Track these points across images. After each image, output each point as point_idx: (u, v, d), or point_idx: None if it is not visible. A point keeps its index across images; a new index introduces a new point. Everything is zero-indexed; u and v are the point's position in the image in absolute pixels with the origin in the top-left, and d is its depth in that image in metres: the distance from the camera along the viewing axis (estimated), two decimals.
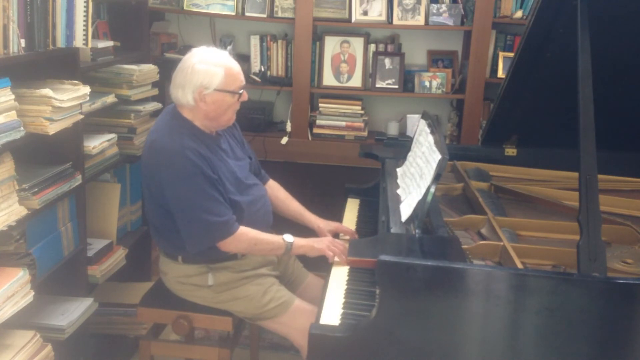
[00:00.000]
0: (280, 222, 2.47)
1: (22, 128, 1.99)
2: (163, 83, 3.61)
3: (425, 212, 1.93)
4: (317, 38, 3.77)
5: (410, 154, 2.44)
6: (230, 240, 2.13)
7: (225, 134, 2.31)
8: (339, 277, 2.09)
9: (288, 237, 2.22)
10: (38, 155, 2.33)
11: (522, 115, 2.65)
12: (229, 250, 2.17)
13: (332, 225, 2.47)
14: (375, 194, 2.68)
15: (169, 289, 2.32)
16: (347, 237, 2.44)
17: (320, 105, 3.79)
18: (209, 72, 2.12)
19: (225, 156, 2.23)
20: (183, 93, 2.14)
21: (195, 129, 2.17)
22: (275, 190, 2.53)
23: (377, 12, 3.61)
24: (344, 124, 3.77)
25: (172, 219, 2.14)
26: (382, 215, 2.28)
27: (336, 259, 2.17)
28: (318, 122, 3.78)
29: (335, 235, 2.44)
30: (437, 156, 1.95)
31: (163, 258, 2.31)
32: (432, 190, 1.89)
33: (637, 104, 2.46)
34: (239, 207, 2.18)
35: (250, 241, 2.17)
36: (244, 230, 2.15)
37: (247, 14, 3.66)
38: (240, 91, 2.19)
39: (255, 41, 3.81)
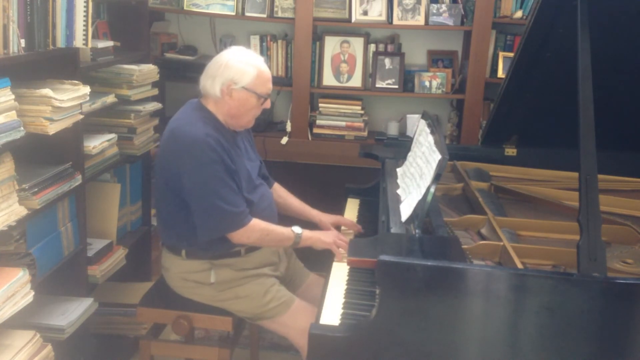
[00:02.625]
0: (283, 220, 2.48)
1: (22, 128, 1.99)
2: (163, 83, 3.61)
3: (425, 212, 1.93)
4: (317, 38, 3.77)
5: (410, 154, 2.44)
6: (242, 232, 2.15)
7: (241, 134, 2.36)
8: (339, 277, 2.09)
9: (297, 229, 2.26)
10: (38, 155, 2.32)
11: (522, 115, 2.65)
12: (240, 241, 2.19)
13: (333, 218, 2.51)
14: (375, 194, 2.68)
15: (170, 286, 2.33)
16: (350, 231, 2.49)
17: (320, 105, 3.79)
18: (241, 69, 2.18)
19: (240, 154, 2.28)
20: (212, 84, 2.19)
21: (217, 121, 2.22)
22: (277, 189, 2.57)
23: (377, 12, 3.61)
24: (344, 124, 3.77)
25: (183, 207, 2.16)
26: (382, 215, 2.28)
27: (342, 251, 2.21)
28: (318, 122, 3.78)
29: (338, 227, 2.49)
30: (437, 156, 1.95)
31: (166, 253, 2.32)
32: (432, 190, 1.89)
33: (637, 104, 2.46)
34: (250, 203, 2.22)
35: (262, 232, 2.19)
36: (255, 222, 2.19)
37: (247, 14, 3.66)
38: (266, 97, 2.25)
39: (255, 41, 3.81)
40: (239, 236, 2.16)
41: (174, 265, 2.29)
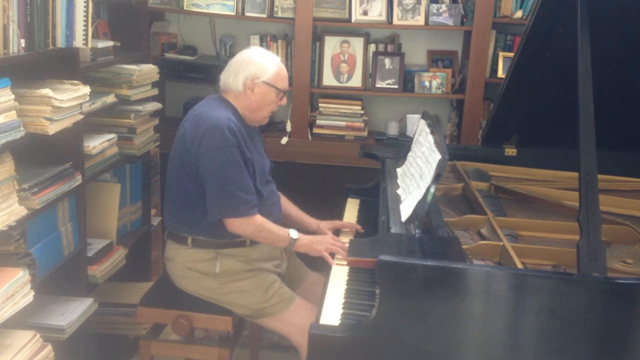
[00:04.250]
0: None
1: (22, 128, 1.99)
2: (163, 83, 3.61)
3: (425, 212, 1.93)
4: (317, 38, 3.77)
5: (410, 154, 2.44)
6: (242, 221, 2.18)
7: (255, 133, 2.41)
8: (339, 277, 2.09)
9: (293, 233, 2.28)
10: (38, 155, 2.33)
11: (522, 115, 2.65)
12: (234, 230, 2.21)
13: (331, 223, 2.52)
14: (375, 194, 2.68)
15: (172, 280, 2.34)
16: (348, 230, 2.49)
17: (320, 105, 3.79)
18: (263, 65, 2.29)
19: (255, 147, 2.35)
20: (235, 78, 2.29)
21: (237, 112, 2.30)
22: None
23: (377, 12, 3.61)
24: (344, 124, 3.77)
25: (195, 192, 2.20)
26: (382, 215, 2.28)
27: (335, 261, 2.19)
28: (318, 122, 3.78)
29: (336, 232, 2.49)
30: (437, 156, 1.95)
31: (171, 244, 2.34)
32: (432, 190, 1.89)
33: (637, 104, 2.46)
34: (260, 195, 2.25)
35: (257, 227, 2.21)
36: (257, 216, 2.21)
37: (247, 14, 3.66)
38: (284, 93, 2.33)
39: (255, 41, 3.80)
40: (236, 225, 2.19)
41: (179, 255, 2.30)
